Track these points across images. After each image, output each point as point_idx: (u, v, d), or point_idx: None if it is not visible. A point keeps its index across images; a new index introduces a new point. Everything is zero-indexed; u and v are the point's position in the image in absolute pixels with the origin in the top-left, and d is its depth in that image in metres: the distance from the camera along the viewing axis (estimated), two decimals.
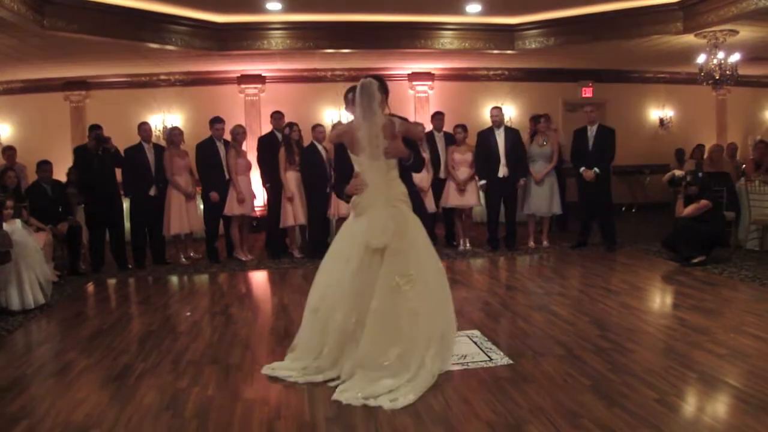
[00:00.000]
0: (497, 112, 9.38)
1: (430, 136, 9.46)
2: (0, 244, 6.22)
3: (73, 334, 5.68)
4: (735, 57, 10.42)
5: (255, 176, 9.72)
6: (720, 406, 3.71)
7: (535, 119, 9.85)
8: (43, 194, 8.43)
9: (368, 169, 4.30)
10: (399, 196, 4.33)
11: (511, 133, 9.40)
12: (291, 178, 9.01)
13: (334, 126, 9.60)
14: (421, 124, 5.23)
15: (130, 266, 8.89)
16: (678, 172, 8.42)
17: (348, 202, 4.54)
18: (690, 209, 7.87)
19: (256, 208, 9.89)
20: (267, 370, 4.39)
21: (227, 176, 9.01)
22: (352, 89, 4.49)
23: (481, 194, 9.50)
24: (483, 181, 9.26)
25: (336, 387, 3.98)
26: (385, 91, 4.35)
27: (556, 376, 4.16)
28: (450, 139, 9.61)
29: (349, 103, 4.59)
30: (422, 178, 8.90)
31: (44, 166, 8.62)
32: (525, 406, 3.68)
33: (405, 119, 4.70)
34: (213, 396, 4.02)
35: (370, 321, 4.03)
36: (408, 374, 3.94)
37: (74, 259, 8.58)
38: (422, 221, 4.47)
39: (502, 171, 9.20)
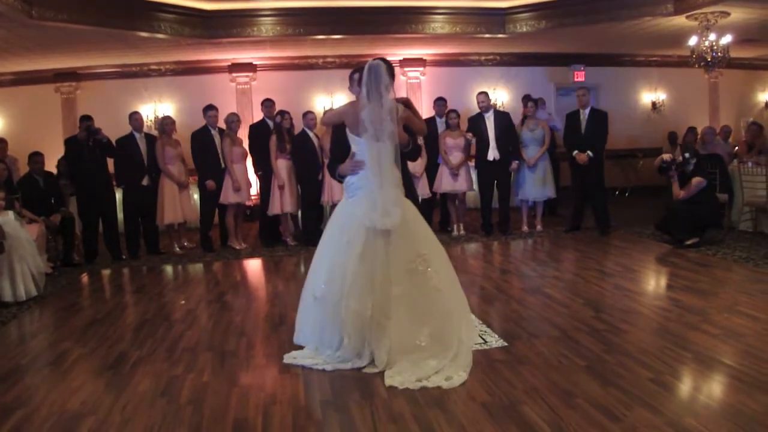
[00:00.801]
0: (483, 97, 9.38)
1: (431, 121, 9.47)
2: None
3: (68, 324, 5.67)
4: (726, 39, 10.40)
5: (250, 165, 9.69)
6: (714, 385, 3.72)
7: (525, 100, 9.80)
8: (35, 186, 8.38)
9: (369, 150, 4.26)
10: (397, 179, 4.31)
11: (501, 116, 9.41)
12: (282, 166, 8.99)
13: (326, 111, 9.59)
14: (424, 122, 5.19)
15: (123, 257, 8.86)
16: (666, 157, 8.41)
17: (341, 181, 4.52)
18: (686, 191, 7.87)
19: (251, 197, 9.87)
20: (288, 359, 4.32)
21: (223, 164, 8.99)
22: (358, 70, 4.47)
23: (474, 178, 9.50)
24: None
25: (362, 369, 4.02)
26: (392, 74, 4.34)
27: (551, 358, 4.17)
28: (446, 125, 9.61)
29: (354, 83, 4.55)
30: (416, 163, 8.90)
31: (36, 158, 8.56)
32: (520, 387, 3.69)
33: (411, 105, 4.74)
34: (208, 382, 4.02)
35: (396, 307, 4.06)
36: (449, 352, 3.99)
37: (68, 251, 8.56)
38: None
39: (492, 154, 9.20)
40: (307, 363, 4.18)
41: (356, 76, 4.51)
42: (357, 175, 4.33)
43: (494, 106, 10.23)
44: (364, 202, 4.22)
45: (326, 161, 8.96)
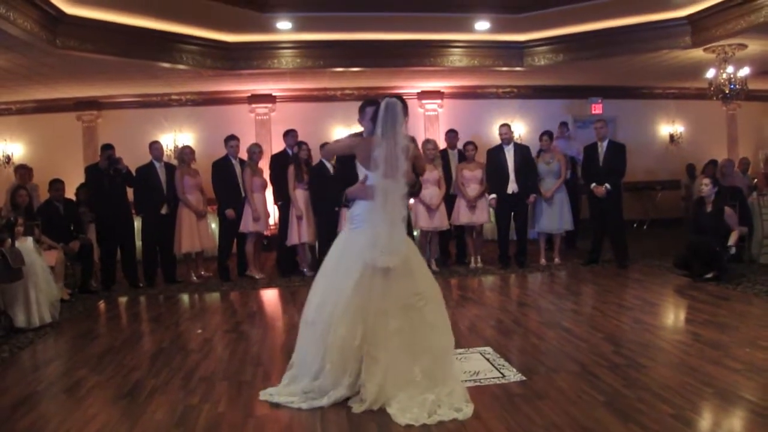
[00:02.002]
0: (506, 129, 9.39)
1: (443, 153, 9.54)
2: (12, 261, 6.25)
3: (84, 351, 5.68)
4: (744, 71, 10.39)
5: (269, 195, 9.74)
6: (736, 421, 3.65)
7: (542, 135, 9.81)
8: (55, 212, 8.46)
9: (378, 187, 4.25)
10: (404, 216, 4.31)
11: (521, 149, 9.40)
12: (300, 197, 9.04)
13: (322, 145, 9.64)
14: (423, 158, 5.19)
15: (141, 284, 8.90)
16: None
17: (347, 205, 4.51)
18: (734, 224, 7.81)
19: (269, 227, 9.91)
20: (265, 396, 4.23)
21: (243, 194, 9.05)
22: (370, 103, 4.49)
23: (491, 210, 9.49)
24: (493, 195, 9.25)
25: (347, 403, 3.96)
26: (406, 112, 4.33)
27: (570, 393, 4.11)
28: (461, 157, 9.64)
29: (366, 117, 4.53)
30: (433, 195, 8.93)
31: (56, 185, 8.67)
32: (539, 423, 3.64)
33: (416, 143, 4.74)
34: (224, 413, 4.00)
35: (392, 342, 4.02)
36: (445, 388, 3.96)
37: (86, 277, 8.60)
38: None
39: (511, 187, 9.19)
40: (283, 401, 4.10)
41: (369, 110, 4.49)
42: (363, 206, 4.32)
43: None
44: (366, 235, 4.19)
45: None
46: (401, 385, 3.94)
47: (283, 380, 4.33)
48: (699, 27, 9.93)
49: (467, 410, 3.79)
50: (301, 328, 4.38)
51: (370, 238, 4.14)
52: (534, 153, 9.70)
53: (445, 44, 11.32)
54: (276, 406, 4.11)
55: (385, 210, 4.16)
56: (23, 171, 10.00)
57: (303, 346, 4.29)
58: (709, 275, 7.61)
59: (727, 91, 10.53)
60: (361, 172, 4.40)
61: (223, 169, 9.17)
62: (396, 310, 4.07)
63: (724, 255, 7.67)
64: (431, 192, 9.06)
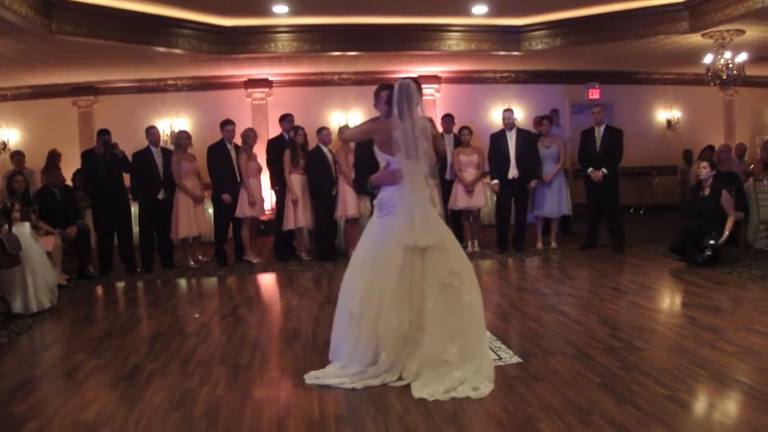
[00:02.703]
0: (509, 114, 9.40)
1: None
2: (9, 246, 6.25)
3: (82, 335, 5.70)
4: (742, 57, 10.37)
5: (265, 179, 9.73)
6: (730, 403, 3.69)
7: (537, 119, 9.82)
8: (52, 198, 8.45)
9: (403, 168, 4.27)
10: (429, 197, 4.33)
11: (523, 134, 9.38)
12: (296, 181, 9.03)
13: (342, 129, 9.61)
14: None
15: (138, 270, 8.91)
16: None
17: (373, 195, 4.51)
18: (729, 206, 7.81)
19: (265, 212, 9.92)
20: (311, 379, 4.20)
21: (238, 179, 9.05)
22: (386, 87, 4.49)
23: (488, 195, 9.51)
24: (495, 181, 9.27)
25: (385, 386, 4.01)
26: (421, 92, 4.35)
27: (566, 375, 4.14)
28: (458, 142, 9.64)
29: (381, 101, 4.50)
30: (470, 175, 9.07)
31: (53, 170, 8.65)
32: (536, 404, 3.67)
33: (434, 124, 4.76)
34: (222, 395, 4.02)
35: (429, 322, 4.09)
36: (473, 365, 4.04)
37: (83, 263, 8.60)
38: None
39: (512, 173, 9.19)
40: (333, 382, 4.09)
41: (383, 93, 4.48)
42: (391, 191, 4.31)
43: None
44: (401, 219, 4.22)
45: (340, 176, 9.05)
46: (436, 364, 4.04)
47: (328, 367, 4.32)
48: (697, 12, 9.90)
49: (484, 390, 3.87)
50: (342, 320, 4.34)
51: (406, 220, 4.19)
52: None
53: (443, 28, 11.26)
54: (284, 379, 4.21)
55: (413, 191, 4.20)
56: (19, 157, 9.99)
57: (352, 339, 4.22)
58: (705, 255, 7.60)
59: (724, 77, 10.52)
60: (382, 158, 4.40)
61: (218, 153, 9.15)
62: (434, 290, 4.15)
63: (717, 240, 7.67)
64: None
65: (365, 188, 4.61)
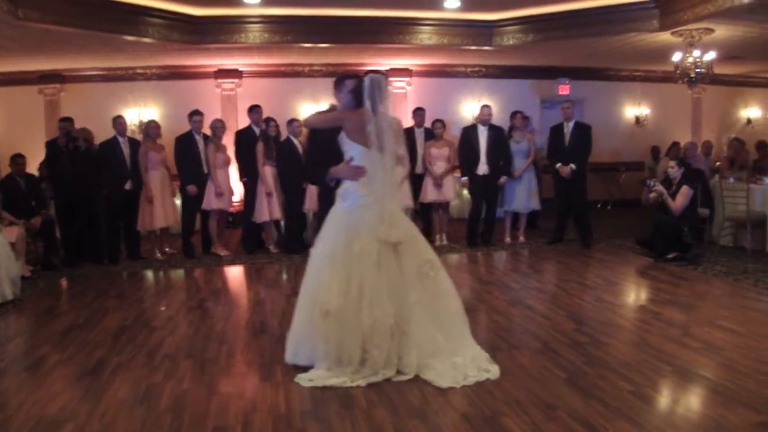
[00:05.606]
0: (488, 110, 9.41)
1: (409, 131, 9.46)
2: None
3: (46, 328, 5.61)
4: (710, 55, 10.50)
5: (233, 171, 9.64)
6: (694, 398, 3.75)
7: (513, 114, 9.86)
8: (17, 188, 8.31)
9: (373, 161, 4.27)
10: (395, 190, 4.40)
11: (495, 131, 9.36)
12: (269, 174, 8.98)
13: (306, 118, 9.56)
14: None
15: (104, 261, 8.78)
16: (650, 181, 8.45)
17: (330, 185, 4.44)
18: (681, 202, 7.88)
19: (233, 204, 9.84)
20: (305, 381, 4.01)
21: (206, 170, 8.96)
22: (350, 77, 4.50)
23: (458, 189, 9.52)
24: (464, 178, 9.28)
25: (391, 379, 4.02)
26: (389, 87, 4.42)
27: (532, 369, 4.18)
28: (429, 135, 9.63)
29: (344, 89, 4.45)
30: (397, 173, 8.89)
31: (18, 160, 8.50)
32: (501, 399, 3.69)
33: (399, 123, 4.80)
34: (188, 389, 3.99)
35: (415, 313, 4.13)
36: (468, 350, 4.21)
37: (48, 254, 8.46)
38: None
39: (482, 169, 9.19)
40: (333, 383, 3.93)
41: (348, 82, 4.45)
42: (356, 182, 4.27)
43: None
44: (374, 211, 4.22)
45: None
46: (431, 353, 4.10)
47: (318, 367, 4.11)
48: (667, 10, 9.99)
49: (494, 370, 4.06)
50: (315, 319, 4.11)
51: (378, 214, 4.21)
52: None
53: (415, 22, 11.24)
54: (250, 374, 4.22)
55: (383, 184, 4.26)
56: None
57: (332, 340, 4.04)
58: (672, 255, 7.73)
59: (692, 75, 10.64)
60: (350, 147, 4.34)
61: (185, 144, 9.04)
62: (413, 282, 4.20)
63: (689, 236, 7.78)
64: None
65: (318, 178, 4.55)
